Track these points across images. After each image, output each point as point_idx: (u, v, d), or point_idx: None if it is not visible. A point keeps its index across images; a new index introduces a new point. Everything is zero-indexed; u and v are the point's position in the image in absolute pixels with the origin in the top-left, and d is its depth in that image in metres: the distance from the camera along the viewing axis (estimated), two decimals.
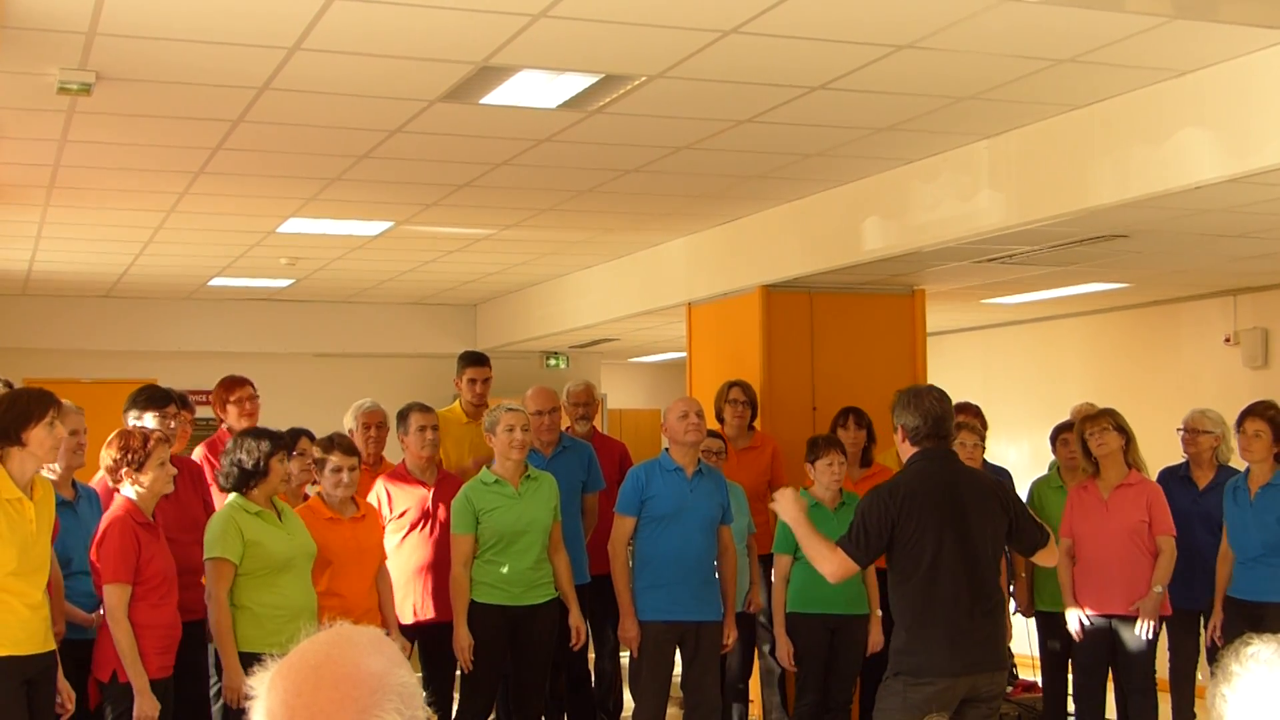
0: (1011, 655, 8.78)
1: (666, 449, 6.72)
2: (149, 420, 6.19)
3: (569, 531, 6.91)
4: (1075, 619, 6.95)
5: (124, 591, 5.35)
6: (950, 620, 5.13)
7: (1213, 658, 6.59)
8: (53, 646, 5.09)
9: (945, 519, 5.15)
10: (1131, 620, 6.79)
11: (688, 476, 6.60)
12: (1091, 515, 6.94)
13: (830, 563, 5.26)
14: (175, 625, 5.58)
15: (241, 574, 5.70)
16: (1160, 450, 7.98)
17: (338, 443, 6.38)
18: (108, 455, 5.52)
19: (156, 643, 5.45)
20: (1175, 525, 6.90)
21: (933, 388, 5.45)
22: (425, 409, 7.02)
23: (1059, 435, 7.70)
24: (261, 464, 5.80)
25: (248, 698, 1.78)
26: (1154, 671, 6.91)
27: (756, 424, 7.88)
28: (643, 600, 6.54)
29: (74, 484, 5.89)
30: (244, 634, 5.68)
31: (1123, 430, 6.93)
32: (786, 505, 5.38)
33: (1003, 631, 5.41)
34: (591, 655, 7.80)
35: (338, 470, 6.22)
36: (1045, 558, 5.52)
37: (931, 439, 5.26)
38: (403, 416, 6.98)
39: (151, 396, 6.38)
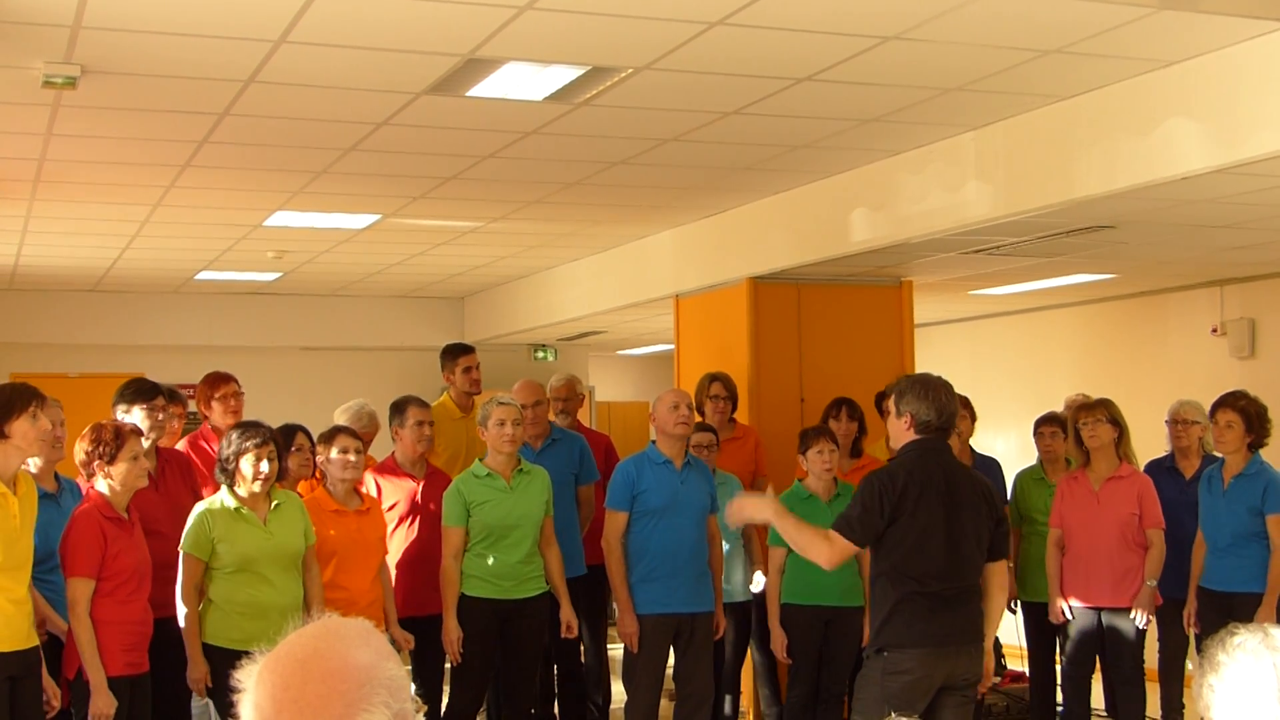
0: (1000, 646, 8.82)
1: (654, 442, 6.71)
2: (137, 413, 6.13)
3: (562, 523, 6.91)
4: (1057, 607, 6.99)
5: (86, 586, 5.28)
6: (928, 596, 5.11)
7: (1197, 646, 6.63)
8: (36, 642, 5.07)
9: (939, 506, 5.11)
10: (1121, 611, 6.81)
11: (677, 469, 6.60)
12: (1082, 507, 6.96)
13: (825, 549, 5.16)
14: (145, 622, 5.51)
15: (212, 568, 5.73)
16: (1148, 440, 8.00)
17: (341, 428, 6.42)
18: (80, 449, 5.47)
19: (124, 639, 5.38)
20: (1164, 517, 6.92)
21: (942, 379, 5.34)
22: (422, 404, 7.00)
23: (1040, 427, 7.72)
24: (230, 461, 5.79)
25: (235, 690, 1.77)
26: (1142, 662, 6.93)
27: (736, 415, 7.89)
28: (638, 593, 6.54)
29: (56, 476, 5.87)
30: (210, 628, 5.72)
31: (1116, 423, 6.95)
32: (759, 508, 5.30)
33: (978, 615, 5.31)
34: (584, 647, 7.80)
35: (345, 451, 6.21)
36: (996, 573, 5.38)
37: (938, 432, 5.23)
38: (399, 409, 6.93)
39: (139, 389, 6.29)
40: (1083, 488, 6.99)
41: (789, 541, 5.39)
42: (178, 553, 5.75)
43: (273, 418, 6.54)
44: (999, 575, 5.36)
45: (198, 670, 5.65)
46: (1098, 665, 7.14)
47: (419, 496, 6.86)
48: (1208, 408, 7.17)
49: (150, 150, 6.78)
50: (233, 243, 9.63)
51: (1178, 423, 7.43)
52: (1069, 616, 6.98)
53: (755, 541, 7.29)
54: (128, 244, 9.57)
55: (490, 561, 6.46)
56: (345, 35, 4.98)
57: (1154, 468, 7.56)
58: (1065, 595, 7.00)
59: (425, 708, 6.89)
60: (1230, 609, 6.36)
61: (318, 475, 6.66)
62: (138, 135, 6.47)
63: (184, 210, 8.30)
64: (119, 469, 5.42)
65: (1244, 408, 6.74)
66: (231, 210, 8.40)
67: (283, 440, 6.36)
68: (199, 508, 5.82)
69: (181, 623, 5.70)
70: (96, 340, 12.25)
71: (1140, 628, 6.82)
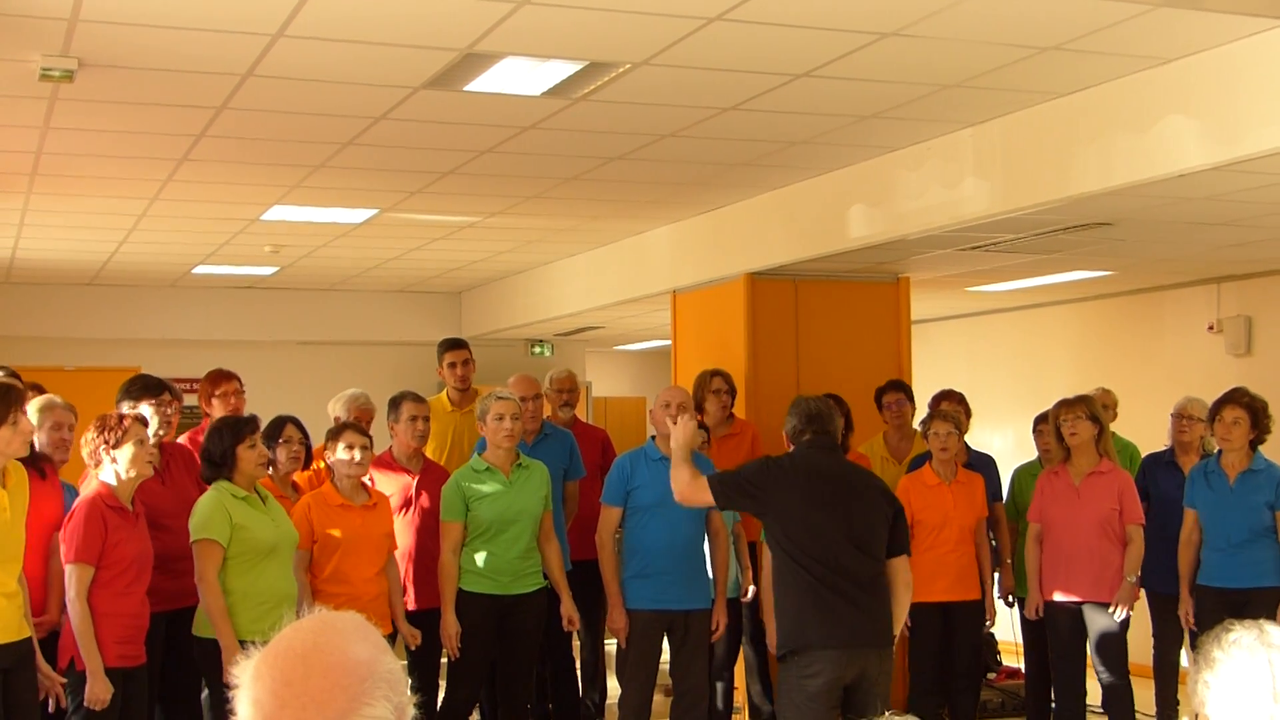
0: (995, 642, 8.82)
1: (652, 438, 6.71)
2: (145, 409, 6.08)
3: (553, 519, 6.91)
4: (1033, 603, 7.01)
5: (85, 573, 5.23)
6: (836, 594, 5.28)
7: (1193, 643, 6.62)
8: (28, 634, 5.04)
9: (825, 497, 5.36)
10: (1101, 606, 6.80)
11: None
12: (1062, 502, 6.95)
13: (687, 487, 5.59)
14: (141, 615, 5.47)
15: (226, 558, 5.63)
16: (1145, 437, 8.00)
17: (347, 425, 6.41)
18: (86, 438, 5.44)
19: (118, 631, 5.34)
20: (1161, 511, 6.93)
21: (823, 405, 5.66)
22: (418, 399, 7.01)
23: (1039, 424, 7.72)
24: (227, 454, 5.75)
25: (228, 687, 1.77)
26: (1125, 657, 6.92)
27: (735, 411, 7.88)
28: (630, 589, 6.53)
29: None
30: (236, 622, 5.59)
31: (1096, 420, 6.95)
32: (680, 430, 5.70)
33: (885, 610, 5.44)
34: (576, 643, 7.80)
35: (350, 448, 6.20)
36: (899, 569, 5.49)
37: (810, 434, 5.53)
38: (395, 404, 6.97)
39: (145, 385, 6.27)
40: (1063, 483, 6.99)
41: (672, 470, 5.77)
42: (186, 545, 5.67)
43: (269, 412, 6.55)
44: (902, 571, 5.53)
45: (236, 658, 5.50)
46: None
47: (414, 490, 6.87)
48: (1206, 404, 7.18)
49: (147, 144, 6.77)
50: (230, 237, 9.61)
51: (1183, 418, 7.42)
52: (1041, 613, 7.00)
53: (744, 543, 7.29)
54: (125, 238, 9.56)
55: (483, 555, 6.46)
56: (343, 30, 4.98)
57: (1152, 462, 7.56)
58: (1046, 590, 7.00)
59: (419, 698, 6.89)
60: (1243, 605, 6.36)
61: (315, 467, 6.66)
62: (135, 129, 6.46)
63: (181, 204, 8.29)
64: (125, 451, 5.38)
65: (1249, 404, 6.77)
66: (228, 204, 8.39)
67: (272, 432, 6.36)
68: (209, 495, 5.74)
69: (209, 612, 5.58)
70: (93, 334, 12.23)
71: (1119, 619, 6.81)
